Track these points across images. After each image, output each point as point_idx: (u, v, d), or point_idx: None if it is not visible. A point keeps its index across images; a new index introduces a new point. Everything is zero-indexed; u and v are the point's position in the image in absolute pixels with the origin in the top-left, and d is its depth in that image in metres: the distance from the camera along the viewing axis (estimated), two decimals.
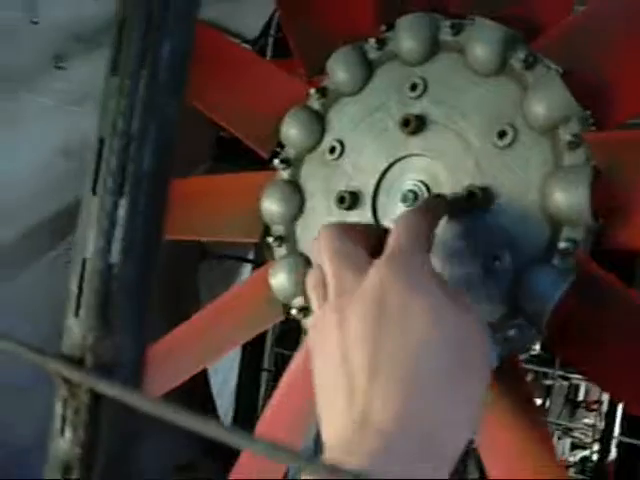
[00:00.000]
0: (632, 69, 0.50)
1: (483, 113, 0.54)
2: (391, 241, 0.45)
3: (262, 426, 0.65)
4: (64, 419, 0.34)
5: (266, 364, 1.21)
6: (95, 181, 0.33)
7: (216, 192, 0.74)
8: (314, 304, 0.47)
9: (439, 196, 0.55)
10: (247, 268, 1.24)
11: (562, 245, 0.48)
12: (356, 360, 0.40)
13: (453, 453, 0.38)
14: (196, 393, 1.02)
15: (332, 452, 0.38)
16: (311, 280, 0.48)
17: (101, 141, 0.33)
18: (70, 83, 0.80)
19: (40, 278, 0.93)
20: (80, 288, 0.34)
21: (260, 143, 0.69)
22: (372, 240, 0.49)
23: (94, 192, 0.33)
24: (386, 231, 0.48)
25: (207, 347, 0.71)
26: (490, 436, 0.51)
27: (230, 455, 0.66)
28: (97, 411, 0.33)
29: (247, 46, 0.95)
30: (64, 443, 0.34)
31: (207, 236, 0.85)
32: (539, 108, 0.51)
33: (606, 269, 0.47)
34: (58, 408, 0.34)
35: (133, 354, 0.32)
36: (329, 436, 0.41)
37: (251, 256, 1.21)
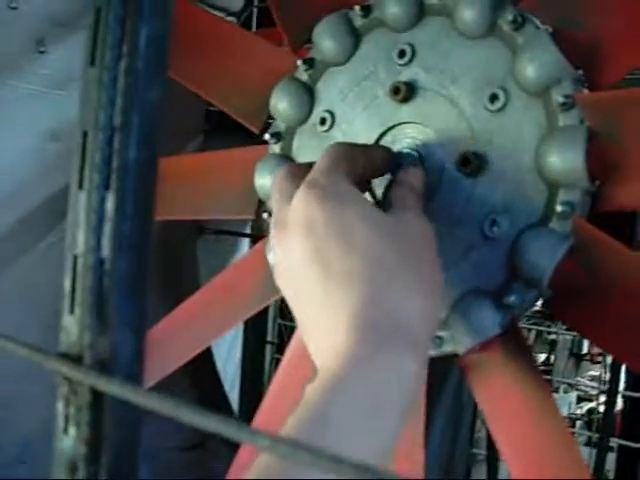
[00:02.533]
0: (623, 25, 0.49)
1: (473, 77, 0.53)
2: (315, 166, 0.48)
3: (267, 403, 0.65)
4: (67, 418, 0.34)
5: (270, 337, 1.22)
6: (81, 176, 0.32)
7: (208, 170, 0.73)
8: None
9: (383, 147, 0.56)
10: (245, 243, 1.24)
11: (559, 208, 0.48)
12: (310, 278, 0.43)
13: (422, 334, 0.42)
14: (201, 369, 1.02)
15: (318, 359, 0.42)
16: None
17: (84, 134, 0.32)
18: (53, 67, 0.78)
19: (39, 263, 0.93)
20: (73, 285, 0.33)
21: (249, 118, 0.68)
22: None
23: (80, 187, 0.32)
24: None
25: (209, 325, 0.71)
26: (496, 403, 0.51)
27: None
28: (99, 408, 0.33)
29: (232, 19, 0.93)
30: (69, 441, 0.34)
31: (201, 215, 0.85)
32: (530, 70, 0.50)
33: (605, 230, 0.47)
34: (60, 407, 0.34)
35: (131, 349, 0.32)
36: (311, 348, 0.44)
37: (248, 230, 1.20)
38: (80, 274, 0.32)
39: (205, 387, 1.12)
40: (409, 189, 0.49)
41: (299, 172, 0.49)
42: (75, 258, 0.33)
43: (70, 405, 0.33)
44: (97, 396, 0.32)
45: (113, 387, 0.30)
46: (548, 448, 0.48)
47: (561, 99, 0.49)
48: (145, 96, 0.30)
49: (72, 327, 0.33)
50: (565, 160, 0.47)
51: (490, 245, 0.51)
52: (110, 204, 0.31)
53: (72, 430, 0.34)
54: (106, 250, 0.31)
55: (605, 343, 0.50)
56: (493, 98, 0.52)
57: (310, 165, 0.49)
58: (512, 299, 0.49)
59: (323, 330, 0.42)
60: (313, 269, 0.43)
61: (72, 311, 0.33)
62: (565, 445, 0.47)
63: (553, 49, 0.49)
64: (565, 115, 0.49)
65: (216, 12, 0.93)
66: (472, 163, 0.52)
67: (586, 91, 0.49)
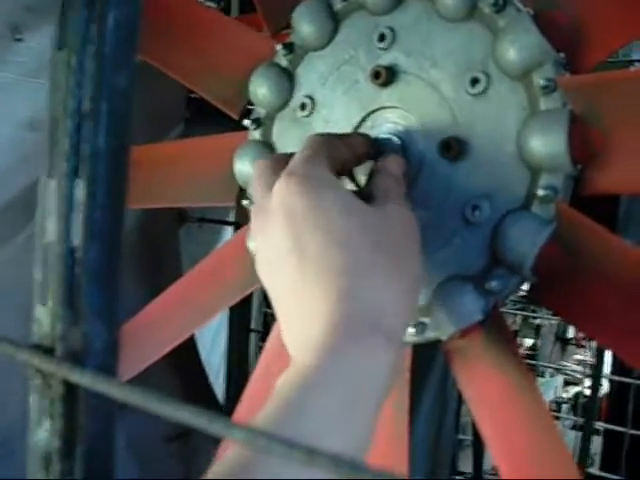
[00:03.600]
0: (605, 7, 0.48)
1: (454, 61, 0.53)
2: (294, 157, 0.48)
3: (249, 391, 0.65)
4: (41, 410, 0.33)
5: (254, 325, 1.21)
6: (51, 163, 0.32)
7: (188, 157, 0.73)
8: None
9: (361, 134, 0.56)
10: (228, 230, 1.23)
11: (541, 193, 0.47)
12: (287, 268, 0.43)
13: (396, 315, 0.41)
14: (184, 358, 1.02)
15: (293, 351, 0.42)
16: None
17: (54, 121, 0.31)
18: (30, 55, 0.77)
19: (19, 254, 0.92)
20: (45, 276, 0.32)
21: (228, 104, 0.67)
22: None
23: (50, 175, 0.32)
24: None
25: (191, 314, 0.71)
26: (478, 389, 0.51)
27: None
28: (73, 400, 0.32)
29: (211, 4, 0.92)
30: (43, 434, 0.33)
31: (181, 203, 0.84)
32: (511, 53, 0.49)
33: (588, 215, 0.47)
34: (33, 400, 0.34)
35: (104, 340, 0.31)
36: (287, 339, 0.44)
37: (231, 218, 1.19)
38: (51, 263, 0.32)
39: (188, 376, 1.11)
40: (391, 177, 0.49)
41: (280, 162, 0.49)
42: (46, 247, 0.32)
43: (43, 398, 0.33)
44: (70, 388, 0.32)
45: (85, 379, 0.30)
46: (530, 434, 0.48)
47: (543, 82, 0.48)
48: (113, 81, 0.30)
49: (44, 318, 0.33)
50: (547, 144, 0.47)
51: (472, 230, 0.50)
52: (80, 192, 0.30)
53: (46, 423, 0.33)
54: (77, 239, 0.31)
55: (588, 328, 0.49)
56: (474, 82, 0.51)
57: (291, 155, 0.49)
58: (494, 285, 0.48)
59: (299, 321, 0.42)
60: (291, 259, 0.43)
61: (44, 302, 0.33)
62: (547, 431, 0.47)
63: (534, 32, 0.49)
64: (547, 98, 0.48)
65: None
66: (453, 148, 0.51)
67: (568, 74, 0.49)
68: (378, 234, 0.43)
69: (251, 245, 0.63)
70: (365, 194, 0.47)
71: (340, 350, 0.38)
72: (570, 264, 0.46)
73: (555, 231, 0.47)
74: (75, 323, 0.31)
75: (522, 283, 0.49)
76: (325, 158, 0.47)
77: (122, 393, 0.28)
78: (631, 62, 1.08)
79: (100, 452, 0.33)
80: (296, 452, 0.22)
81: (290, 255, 0.43)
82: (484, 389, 0.50)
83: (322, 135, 0.51)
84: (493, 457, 0.50)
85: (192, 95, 1.02)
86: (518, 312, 1.49)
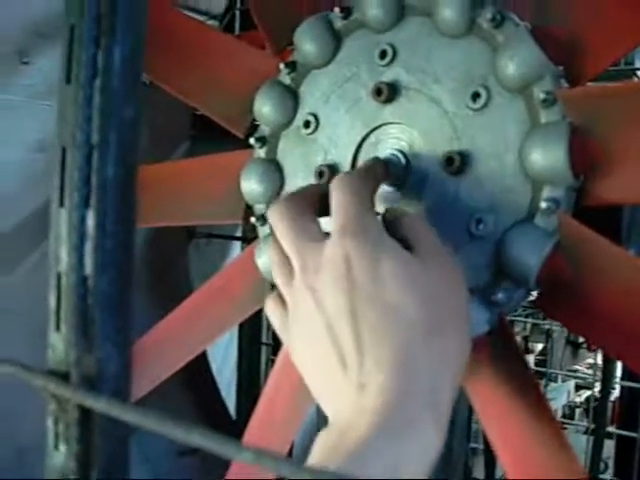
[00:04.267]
0: (602, 19, 0.49)
1: (455, 76, 0.53)
2: (337, 207, 0.46)
3: (263, 404, 0.66)
4: (57, 435, 0.34)
5: (264, 338, 1.22)
6: (61, 193, 0.33)
7: (194, 175, 0.74)
8: (279, 281, 0.48)
9: (377, 159, 0.55)
10: (237, 245, 1.24)
11: (544, 205, 0.48)
12: (340, 334, 0.42)
13: (447, 399, 0.40)
14: (195, 373, 1.02)
15: (337, 421, 0.40)
16: (273, 258, 0.49)
17: (63, 151, 0.32)
18: (37, 78, 0.78)
19: (28, 277, 0.93)
20: (58, 303, 0.33)
21: (233, 122, 0.68)
22: (317, 200, 0.49)
23: (61, 204, 0.33)
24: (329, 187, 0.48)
25: (202, 331, 0.71)
26: (484, 400, 0.51)
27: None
28: (88, 425, 0.33)
29: (214, 22, 0.93)
30: (59, 457, 0.34)
31: (189, 221, 0.85)
32: (511, 67, 0.50)
33: (591, 226, 0.47)
34: (50, 424, 0.34)
35: (117, 365, 0.32)
36: (330, 408, 0.42)
37: (239, 233, 1.20)
38: (64, 292, 0.32)
39: (201, 391, 1.12)
40: (416, 222, 0.48)
41: (298, 202, 0.48)
42: (59, 275, 0.33)
43: (59, 422, 0.34)
44: (85, 413, 0.33)
45: (100, 404, 0.30)
46: (538, 445, 0.48)
47: (542, 95, 0.49)
48: (121, 114, 0.30)
49: (58, 344, 0.33)
50: (548, 156, 0.47)
51: (476, 244, 0.51)
52: (90, 222, 0.31)
53: (62, 447, 0.34)
54: (89, 268, 0.31)
55: (594, 338, 0.50)
56: (475, 96, 0.52)
57: (302, 193, 0.49)
58: (499, 297, 0.49)
59: (347, 386, 0.40)
60: (344, 325, 0.41)
61: (58, 328, 0.33)
62: (555, 440, 0.48)
63: (533, 46, 0.49)
64: (547, 111, 0.49)
65: (198, 15, 0.93)
66: (456, 162, 0.52)
67: (567, 86, 0.49)
68: (432, 307, 0.42)
69: (259, 261, 0.64)
70: (391, 231, 0.46)
71: (392, 427, 0.37)
72: (574, 275, 0.47)
73: (558, 243, 0.47)
74: (89, 350, 0.32)
75: (528, 295, 0.50)
76: (370, 203, 0.46)
77: (136, 417, 0.29)
78: (635, 70, 1.07)
79: (115, 475, 0.34)
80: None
81: (344, 316, 0.42)
82: (491, 401, 0.51)
83: (357, 178, 0.49)
84: (504, 467, 0.51)
85: (197, 112, 1.03)
86: (528, 320, 1.49)
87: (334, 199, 0.46)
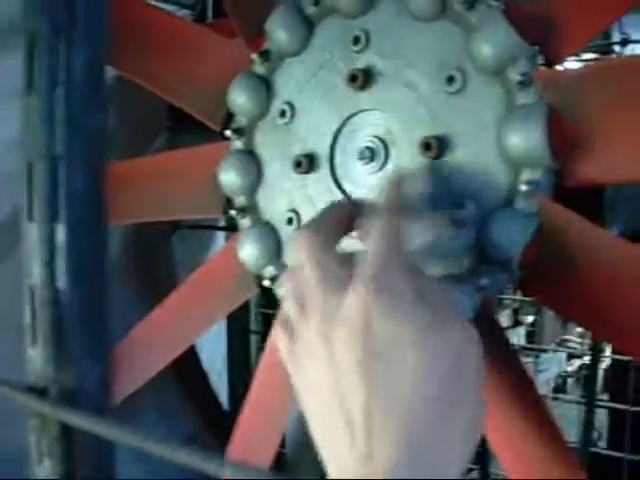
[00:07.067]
0: None
1: (429, 60, 0.53)
2: (370, 254, 0.42)
3: (254, 393, 0.66)
4: (40, 450, 0.34)
5: (253, 326, 1.22)
6: (30, 207, 0.32)
7: (173, 169, 0.73)
8: (293, 311, 0.45)
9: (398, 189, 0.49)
10: (221, 235, 1.23)
11: (523, 188, 0.48)
12: (350, 394, 0.39)
13: (458, 472, 0.39)
14: (184, 366, 1.02)
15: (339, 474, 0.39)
16: (288, 286, 0.46)
17: (29, 165, 0.32)
18: (5, 74, 0.77)
19: (14, 272, 0.92)
20: (33, 318, 0.33)
21: (208, 115, 0.67)
22: (345, 220, 0.47)
23: (30, 218, 0.32)
24: (354, 203, 0.47)
25: (187, 327, 0.71)
26: None
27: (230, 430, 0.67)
28: (69, 440, 0.32)
29: (187, 12, 0.92)
30: (44, 472, 0.34)
31: (169, 217, 0.84)
32: (485, 50, 0.49)
33: (572, 207, 0.47)
34: (33, 439, 0.34)
35: (95, 379, 0.32)
36: (334, 471, 0.40)
37: (223, 223, 1.19)
38: (38, 307, 0.32)
39: (191, 383, 1.12)
40: (429, 284, 0.44)
41: (326, 226, 0.46)
42: (32, 290, 0.32)
43: (42, 438, 0.33)
44: (66, 428, 0.32)
45: (79, 420, 0.30)
46: (525, 426, 0.48)
47: (518, 77, 0.48)
48: (86, 123, 0.30)
49: (36, 359, 0.33)
50: (526, 139, 0.47)
51: (458, 229, 0.51)
52: (61, 235, 0.30)
53: (46, 462, 0.33)
54: (62, 281, 0.31)
55: (579, 319, 0.50)
56: (450, 80, 0.51)
57: (329, 214, 0.47)
58: (483, 282, 0.49)
59: (353, 454, 0.39)
60: (355, 387, 0.39)
61: (34, 343, 0.33)
62: (543, 423, 0.48)
63: (507, 27, 0.49)
64: (523, 93, 0.48)
65: (169, 6, 0.91)
66: (434, 147, 0.51)
67: (543, 67, 0.49)
68: (450, 380, 0.40)
69: (241, 253, 0.64)
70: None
71: None
72: (555, 257, 0.47)
73: (539, 225, 0.47)
74: (66, 364, 0.31)
75: (511, 279, 0.49)
76: (399, 243, 0.43)
77: (117, 433, 0.29)
78: (611, 45, 1.04)
79: None
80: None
81: (355, 377, 0.39)
82: None
83: (384, 213, 0.45)
84: (494, 449, 0.51)
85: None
86: (516, 297, 1.49)
87: (369, 245, 0.43)
